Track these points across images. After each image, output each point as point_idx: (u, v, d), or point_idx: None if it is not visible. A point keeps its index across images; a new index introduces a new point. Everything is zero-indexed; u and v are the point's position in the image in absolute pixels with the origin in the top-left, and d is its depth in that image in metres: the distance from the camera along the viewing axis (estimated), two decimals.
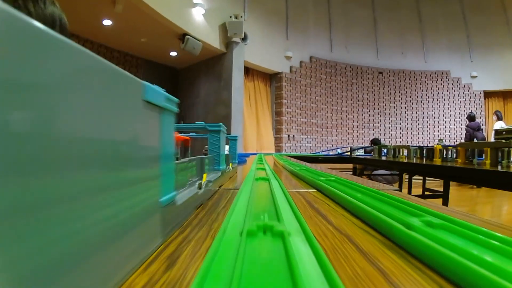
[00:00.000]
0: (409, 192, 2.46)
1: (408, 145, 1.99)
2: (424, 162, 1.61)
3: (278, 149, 5.32)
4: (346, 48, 6.11)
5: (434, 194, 2.43)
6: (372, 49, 6.36)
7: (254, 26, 4.70)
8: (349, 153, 3.24)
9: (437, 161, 1.59)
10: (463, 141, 6.41)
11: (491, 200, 3.68)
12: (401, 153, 2.25)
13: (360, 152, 3.94)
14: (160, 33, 3.78)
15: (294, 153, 4.45)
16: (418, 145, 4.81)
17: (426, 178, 2.77)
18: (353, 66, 6.25)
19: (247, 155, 2.72)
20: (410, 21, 6.48)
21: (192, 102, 4.88)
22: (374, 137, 6.00)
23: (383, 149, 2.51)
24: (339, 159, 3.13)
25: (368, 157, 2.83)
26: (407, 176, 2.74)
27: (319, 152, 4.72)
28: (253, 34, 4.52)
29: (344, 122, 6.13)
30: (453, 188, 3.60)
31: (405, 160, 1.91)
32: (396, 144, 3.66)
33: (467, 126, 5.01)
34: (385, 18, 6.37)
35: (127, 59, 4.60)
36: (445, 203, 2.21)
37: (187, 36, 3.67)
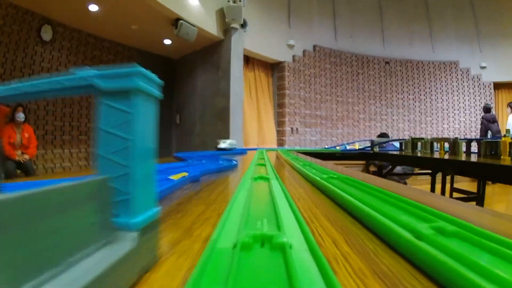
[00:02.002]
0: (443, 194, 2.07)
1: (457, 138, 1.62)
2: (477, 160, 1.29)
3: (280, 143, 5.02)
4: (351, 37, 5.82)
5: (469, 197, 2.06)
6: (378, 38, 6.08)
7: (254, 12, 4.40)
8: (370, 149, 2.81)
9: (507, 159, 1.22)
10: (474, 134, 6.13)
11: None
12: (439, 148, 1.92)
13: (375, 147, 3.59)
14: (152, 19, 3.49)
15: (303, 148, 4.09)
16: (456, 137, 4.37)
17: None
18: (359, 56, 5.94)
19: (244, 151, 2.37)
20: (417, 9, 6.22)
21: (189, 94, 4.61)
22: (381, 131, 5.72)
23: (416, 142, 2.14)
24: (361, 155, 2.66)
25: (396, 152, 2.41)
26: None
27: (327, 147, 4.40)
28: (253, 21, 4.23)
29: (350, 114, 5.82)
30: (467, 184, 3.25)
31: (445, 157, 1.56)
32: (433, 137, 3.15)
33: (482, 118, 4.82)
34: (391, 6, 6.10)
35: (119, 49, 4.29)
36: (480, 205, 1.88)
37: (181, 21, 3.38)
